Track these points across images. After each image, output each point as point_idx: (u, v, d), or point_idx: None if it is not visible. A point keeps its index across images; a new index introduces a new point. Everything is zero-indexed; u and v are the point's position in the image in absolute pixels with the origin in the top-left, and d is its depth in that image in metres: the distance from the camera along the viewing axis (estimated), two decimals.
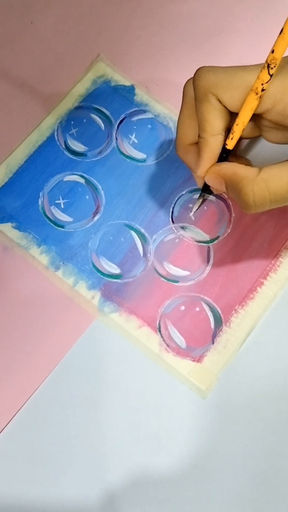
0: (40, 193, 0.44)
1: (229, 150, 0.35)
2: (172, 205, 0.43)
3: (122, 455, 0.39)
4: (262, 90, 0.31)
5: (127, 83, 0.46)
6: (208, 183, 0.36)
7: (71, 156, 0.44)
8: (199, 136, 0.35)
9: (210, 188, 0.38)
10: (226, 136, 0.35)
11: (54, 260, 0.42)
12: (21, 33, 0.48)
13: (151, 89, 0.46)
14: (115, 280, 0.42)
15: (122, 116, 0.46)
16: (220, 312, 0.41)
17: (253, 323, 0.41)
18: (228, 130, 0.35)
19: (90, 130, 0.45)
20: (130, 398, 0.40)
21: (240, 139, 0.38)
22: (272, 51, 0.30)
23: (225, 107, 0.34)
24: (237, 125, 0.34)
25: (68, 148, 0.45)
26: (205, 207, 0.43)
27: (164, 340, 0.40)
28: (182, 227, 0.43)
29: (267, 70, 0.30)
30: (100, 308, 0.41)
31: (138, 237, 0.43)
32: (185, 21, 0.48)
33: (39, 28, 0.48)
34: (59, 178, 0.44)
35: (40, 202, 0.43)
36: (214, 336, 0.41)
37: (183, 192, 0.44)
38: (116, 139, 0.45)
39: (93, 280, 0.42)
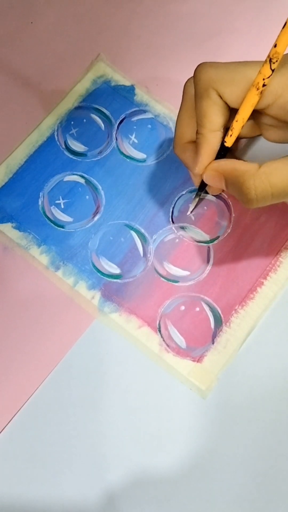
0: (40, 193, 0.44)
1: (227, 148, 0.35)
2: (172, 205, 0.43)
3: (122, 455, 0.39)
4: (264, 85, 0.31)
5: (127, 83, 0.46)
6: (207, 181, 0.36)
7: (71, 156, 0.44)
8: (197, 133, 0.35)
9: (207, 189, 0.38)
10: (225, 134, 0.35)
11: (54, 260, 0.42)
12: (21, 33, 0.48)
13: (151, 89, 0.46)
14: (115, 280, 0.42)
15: (122, 116, 0.46)
16: (220, 312, 0.41)
17: (253, 323, 0.41)
18: (227, 130, 0.35)
19: (90, 130, 0.45)
20: (130, 398, 0.40)
21: (239, 138, 0.38)
22: (275, 45, 0.30)
23: (226, 103, 0.33)
24: (236, 121, 0.34)
25: (68, 148, 0.45)
26: (205, 207, 0.43)
27: (164, 340, 0.40)
28: (182, 227, 0.43)
29: (269, 65, 0.30)
30: (100, 308, 0.41)
31: (138, 237, 0.43)
32: (185, 21, 0.48)
33: (39, 28, 0.48)
34: (59, 178, 0.44)
35: (40, 202, 0.43)
36: (214, 336, 0.41)
37: (183, 192, 0.44)
38: (116, 139, 0.45)
39: (93, 280, 0.42)
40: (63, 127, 0.45)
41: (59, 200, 0.44)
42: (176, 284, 0.42)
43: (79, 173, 0.44)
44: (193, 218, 0.43)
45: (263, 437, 0.39)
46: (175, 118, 0.45)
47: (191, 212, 0.41)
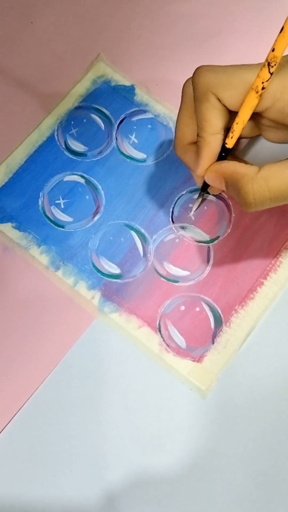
0: (40, 193, 0.44)
1: (228, 149, 0.35)
2: (172, 205, 0.43)
3: (122, 455, 0.39)
4: (262, 88, 0.31)
5: (127, 83, 0.46)
6: (208, 181, 0.36)
7: (71, 156, 0.44)
8: (198, 136, 0.35)
9: (208, 189, 0.38)
10: (226, 135, 0.35)
11: (54, 260, 0.42)
12: (21, 33, 0.48)
13: (151, 89, 0.46)
14: (115, 280, 0.42)
15: (122, 116, 0.46)
16: (220, 312, 0.41)
17: (253, 323, 0.41)
18: (227, 130, 0.35)
19: (90, 130, 0.45)
20: (130, 398, 0.40)
21: (240, 138, 0.38)
22: (273, 50, 0.30)
23: (225, 106, 0.34)
24: (237, 123, 0.34)
25: (68, 148, 0.45)
26: (205, 207, 0.43)
27: (164, 340, 0.40)
28: (182, 227, 0.43)
29: (267, 69, 0.30)
30: (100, 308, 0.41)
31: (138, 237, 0.43)
32: (185, 21, 0.48)
33: (39, 28, 0.48)
34: (59, 178, 0.44)
35: (40, 202, 0.43)
36: (214, 336, 0.41)
37: (183, 192, 0.44)
38: (116, 139, 0.45)
39: (93, 280, 0.42)
40: (63, 127, 0.45)
41: (59, 200, 0.44)
42: (176, 284, 0.42)
43: (79, 173, 0.44)
44: (193, 218, 0.43)
45: (263, 437, 0.39)
46: (175, 118, 0.45)
47: (194, 211, 0.41)
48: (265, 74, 0.31)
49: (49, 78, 0.47)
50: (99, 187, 0.44)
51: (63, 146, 0.45)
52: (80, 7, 0.49)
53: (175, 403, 0.40)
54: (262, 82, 0.31)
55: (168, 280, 0.42)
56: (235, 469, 0.38)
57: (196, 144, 0.36)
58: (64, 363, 0.40)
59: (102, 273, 0.42)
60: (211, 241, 0.43)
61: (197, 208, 0.41)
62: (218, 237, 0.43)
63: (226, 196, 0.43)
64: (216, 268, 0.42)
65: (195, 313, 0.41)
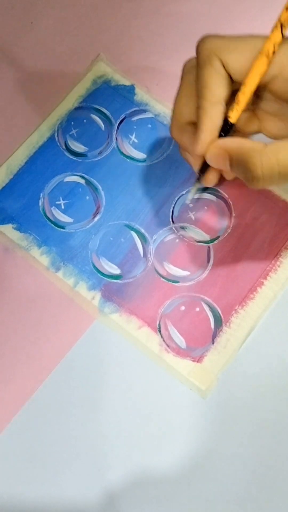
0: (41, 194, 0.44)
1: (231, 125, 0.33)
2: (172, 205, 0.43)
3: (122, 455, 0.39)
4: (273, 53, 0.29)
5: (127, 83, 0.46)
6: (210, 160, 0.33)
7: (71, 156, 0.45)
8: (198, 108, 0.32)
9: (203, 181, 0.36)
10: (228, 109, 0.33)
11: (55, 261, 0.42)
12: (21, 33, 0.48)
13: (151, 89, 0.46)
14: (115, 280, 0.42)
15: (122, 116, 0.46)
16: (220, 312, 0.41)
17: (253, 323, 0.41)
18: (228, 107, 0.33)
19: (90, 131, 0.45)
20: (130, 398, 0.40)
21: (237, 131, 0.36)
22: (287, 9, 0.28)
23: (229, 75, 0.32)
24: (243, 93, 0.32)
25: (69, 149, 0.45)
26: (205, 207, 0.43)
27: (164, 341, 0.40)
28: (182, 227, 0.43)
29: (279, 30, 0.29)
30: (101, 308, 0.41)
31: (138, 237, 0.43)
32: (185, 21, 0.48)
33: (39, 28, 0.48)
34: (59, 179, 0.44)
35: (40, 203, 0.43)
36: (214, 336, 0.41)
37: (183, 192, 0.44)
38: (116, 139, 0.45)
39: (94, 281, 0.42)
40: (63, 127, 0.45)
41: (60, 201, 0.44)
42: (176, 284, 0.42)
43: (79, 174, 0.44)
44: (193, 218, 0.43)
45: (263, 437, 0.39)
46: None
47: (190, 200, 0.39)
48: (277, 37, 0.29)
49: (49, 78, 0.47)
50: (99, 187, 0.44)
51: (63, 147, 0.45)
52: (80, 7, 0.49)
53: (175, 403, 0.40)
54: (274, 45, 0.29)
55: (168, 280, 0.42)
56: (235, 469, 0.39)
57: (195, 124, 0.33)
58: (64, 363, 0.40)
59: (103, 274, 0.42)
60: (211, 241, 0.43)
61: (193, 197, 0.38)
62: (218, 237, 0.43)
63: (226, 196, 0.43)
64: (216, 268, 0.42)
65: (195, 313, 0.41)
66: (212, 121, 0.32)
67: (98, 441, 0.39)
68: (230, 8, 0.48)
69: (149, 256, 0.42)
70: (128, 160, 0.45)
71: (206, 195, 0.43)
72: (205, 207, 0.43)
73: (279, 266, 0.42)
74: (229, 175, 0.36)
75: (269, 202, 0.43)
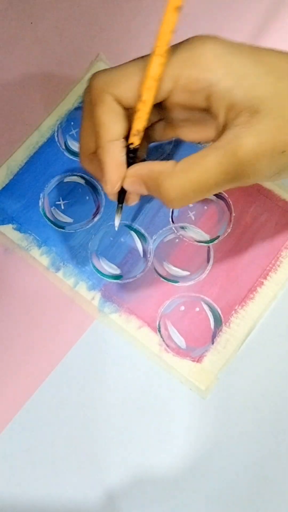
0: (41, 194, 0.44)
1: (135, 149, 0.32)
2: None
3: (122, 455, 0.39)
4: (159, 77, 0.29)
5: None
6: (129, 189, 0.33)
7: (71, 157, 0.45)
8: (97, 147, 0.32)
9: (125, 202, 0.35)
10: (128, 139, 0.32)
11: (55, 261, 0.42)
12: (21, 33, 0.48)
13: None
14: (115, 280, 0.42)
15: None
16: (220, 312, 0.41)
17: (253, 323, 0.41)
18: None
19: None
20: (130, 398, 0.40)
21: (151, 142, 0.37)
22: (158, 36, 0.28)
23: (124, 109, 0.31)
24: (139, 117, 0.31)
25: (69, 149, 0.45)
26: (205, 207, 0.43)
27: (164, 340, 0.40)
28: (182, 227, 0.43)
29: (158, 50, 0.29)
30: (100, 308, 0.41)
31: (138, 237, 0.43)
32: (185, 21, 0.48)
33: (39, 28, 0.48)
34: (59, 179, 0.44)
35: (40, 204, 0.43)
36: (214, 336, 0.41)
37: None
38: None
39: (93, 281, 0.42)
40: (63, 128, 0.45)
41: (60, 201, 0.44)
42: (176, 284, 0.42)
43: (79, 174, 0.44)
44: (193, 217, 0.43)
45: (263, 437, 0.39)
46: None
47: (117, 227, 0.38)
48: (160, 59, 0.29)
49: (49, 79, 0.47)
50: (99, 187, 0.44)
51: (63, 147, 0.45)
52: (80, 7, 0.49)
53: (175, 403, 0.40)
54: (158, 68, 0.29)
55: (168, 280, 0.42)
56: (235, 469, 0.39)
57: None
58: (64, 363, 0.40)
59: (102, 274, 0.42)
60: (211, 241, 0.43)
61: (119, 223, 0.37)
62: (218, 237, 0.43)
63: (226, 196, 0.43)
64: (216, 268, 0.42)
65: (195, 313, 0.41)
66: (114, 158, 0.32)
67: (98, 441, 0.39)
68: (230, 8, 0.48)
69: (149, 256, 0.42)
70: None
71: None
72: (205, 207, 0.43)
73: (279, 266, 0.42)
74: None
75: (269, 202, 0.43)
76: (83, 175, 0.44)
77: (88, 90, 0.32)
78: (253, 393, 0.40)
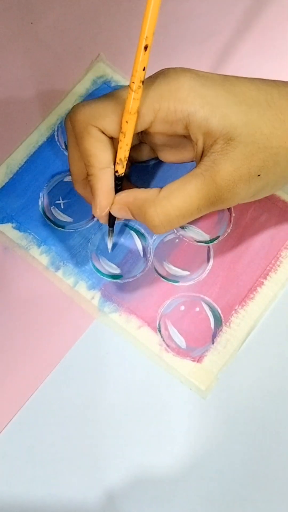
0: (40, 194, 0.44)
1: (121, 177, 0.35)
2: None
3: (122, 455, 0.39)
4: (137, 111, 0.31)
5: (127, 83, 0.46)
6: (115, 215, 0.36)
7: None
8: (88, 174, 0.34)
9: (116, 221, 0.38)
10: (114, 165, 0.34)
11: (54, 261, 0.42)
12: (21, 33, 0.48)
13: None
14: (115, 280, 0.42)
15: None
16: (220, 312, 0.41)
17: (253, 323, 0.41)
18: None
19: None
20: (130, 398, 0.40)
21: (136, 163, 0.39)
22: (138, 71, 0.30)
23: (108, 137, 0.33)
24: (120, 148, 0.33)
25: None
26: None
27: (164, 340, 0.40)
28: (182, 227, 0.43)
29: (133, 86, 0.31)
30: (100, 308, 0.41)
31: (138, 237, 0.43)
32: (185, 21, 0.48)
33: (39, 28, 0.48)
34: (59, 179, 0.44)
35: (40, 203, 0.43)
36: (214, 336, 0.41)
37: None
38: None
39: (93, 280, 0.42)
40: (63, 127, 0.45)
41: (59, 200, 0.44)
42: (176, 284, 0.42)
43: None
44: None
45: (263, 437, 0.39)
46: None
47: (111, 249, 0.41)
48: (138, 93, 0.31)
49: (49, 78, 0.47)
50: None
51: (63, 147, 0.45)
52: (80, 7, 0.49)
53: (175, 403, 0.40)
54: (136, 102, 0.31)
55: (168, 280, 0.42)
56: (235, 469, 0.38)
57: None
58: (64, 363, 0.40)
59: (102, 273, 0.42)
60: (211, 241, 0.43)
61: (112, 245, 0.41)
62: (218, 237, 0.43)
63: None
64: (216, 268, 0.42)
65: (195, 313, 0.41)
66: (105, 184, 0.34)
67: (98, 441, 0.39)
68: (230, 8, 0.48)
69: (149, 256, 0.42)
70: None
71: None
72: None
73: (279, 266, 0.42)
74: None
75: (268, 202, 0.43)
76: None
77: (71, 122, 0.34)
78: (253, 393, 0.40)
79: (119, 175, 0.35)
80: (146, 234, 0.43)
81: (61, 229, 0.43)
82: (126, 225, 0.43)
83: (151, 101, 0.32)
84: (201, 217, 0.43)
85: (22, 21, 0.49)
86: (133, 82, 0.30)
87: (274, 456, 0.39)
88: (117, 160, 0.34)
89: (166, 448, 0.39)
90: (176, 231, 0.43)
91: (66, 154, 0.44)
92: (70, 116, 0.34)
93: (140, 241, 0.43)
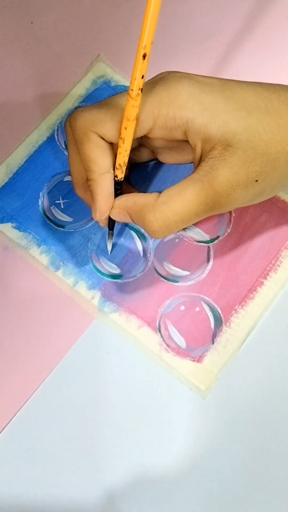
0: (40, 193, 0.44)
1: (120, 181, 0.35)
2: None
3: (122, 455, 0.39)
4: (136, 118, 0.31)
5: (127, 83, 0.46)
6: (115, 218, 0.36)
7: None
8: (88, 179, 0.35)
9: (116, 224, 0.38)
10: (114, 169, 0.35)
11: (54, 260, 0.42)
12: (21, 33, 0.48)
13: None
14: (115, 280, 0.42)
15: None
16: (220, 312, 0.41)
17: (253, 323, 0.41)
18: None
19: None
20: (130, 398, 0.40)
21: (136, 164, 0.39)
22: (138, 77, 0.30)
23: (108, 142, 0.34)
24: (120, 153, 0.33)
25: None
26: None
27: (164, 340, 0.40)
28: None
29: (132, 94, 0.31)
30: (100, 308, 0.41)
31: (138, 237, 0.43)
32: (185, 21, 0.48)
33: (39, 28, 0.48)
34: (59, 178, 0.44)
35: (40, 202, 0.43)
36: (214, 336, 0.41)
37: None
38: None
39: (93, 280, 0.42)
40: (63, 127, 0.45)
41: (59, 200, 0.44)
42: (176, 284, 0.42)
43: None
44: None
45: (263, 437, 0.39)
46: None
47: (110, 251, 0.42)
48: (133, 100, 0.31)
49: (49, 78, 0.47)
50: None
51: (63, 146, 0.45)
52: (80, 7, 0.49)
53: (175, 403, 0.40)
54: (132, 107, 0.31)
55: (168, 280, 0.42)
56: (235, 469, 0.38)
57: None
58: (64, 363, 0.40)
59: (102, 273, 0.42)
60: (211, 241, 0.43)
61: (112, 247, 0.41)
62: (218, 237, 0.43)
63: None
64: (216, 268, 0.42)
65: (195, 313, 0.41)
66: (104, 189, 0.35)
67: (98, 441, 0.39)
68: (230, 8, 0.48)
69: (149, 255, 0.42)
70: None
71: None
72: None
73: (279, 266, 0.42)
74: None
75: (268, 202, 0.43)
76: None
77: (71, 127, 0.34)
78: (253, 393, 0.40)
79: (118, 180, 0.35)
80: (146, 234, 0.43)
81: (61, 229, 0.43)
82: (126, 225, 0.43)
83: (150, 108, 0.32)
84: None
85: (22, 21, 0.49)
86: (132, 90, 0.30)
87: (274, 456, 0.39)
88: (117, 165, 0.34)
89: (166, 448, 0.39)
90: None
91: (66, 154, 0.44)
92: (70, 121, 0.35)
93: (140, 241, 0.43)
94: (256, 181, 0.33)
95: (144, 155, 0.40)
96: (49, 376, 0.40)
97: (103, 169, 0.34)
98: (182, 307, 0.41)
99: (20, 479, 0.38)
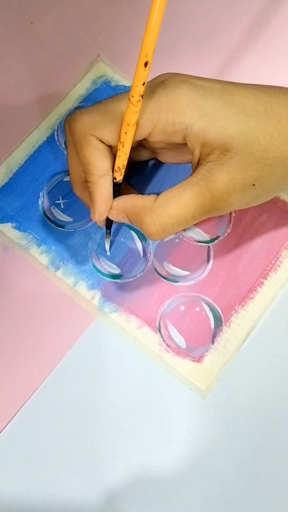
0: (40, 193, 0.44)
1: (119, 183, 0.35)
2: None
3: (122, 455, 0.39)
4: (135, 123, 0.32)
5: (127, 83, 0.46)
6: (113, 219, 0.36)
7: None
8: (87, 181, 0.35)
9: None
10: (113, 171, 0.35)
11: (54, 260, 0.42)
12: (21, 33, 0.48)
13: None
14: (115, 280, 0.42)
15: None
16: (220, 312, 0.41)
17: (253, 323, 0.41)
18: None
19: None
20: (130, 398, 0.40)
21: (135, 162, 0.40)
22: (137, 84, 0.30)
23: (107, 145, 0.34)
24: (119, 156, 0.34)
25: None
26: None
27: (164, 340, 0.40)
28: None
29: (133, 100, 0.31)
30: (100, 308, 0.41)
31: (138, 237, 0.43)
32: (185, 21, 0.48)
33: (39, 28, 0.48)
34: (59, 178, 0.44)
35: (40, 202, 0.43)
36: (214, 336, 0.41)
37: None
38: None
39: (93, 280, 0.42)
40: (63, 127, 0.45)
41: (59, 200, 0.44)
42: (176, 284, 0.42)
43: None
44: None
45: (263, 437, 0.39)
46: None
47: (109, 250, 0.42)
48: (137, 105, 0.31)
49: (49, 78, 0.47)
50: None
51: (63, 146, 0.45)
52: (80, 7, 0.49)
53: (175, 403, 0.40)
54: (133, 112, 0.31)
55: (168, 280, 0.42)
56: (235, 469, 0.38)
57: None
58: (64, 363, 0.40)
59: (102, 273, 0.42)
60: (211, 241, 0.43)
61: (110, 247, 0.42)
62: (218, 237, 0.43)
63: None
64: (216, 268, 0.42)
65: (195, 313, 0.41)
66: (103, 191, 0.35)
67: (98, 441, 0.39)
68: (230, 8, 0.48)
69: (149, 255, 0.42)
70: None
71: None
72: None
73: (279, 266, 0.42)
74: None
75: (268, 202, 0.43)
76: None
77: (70, 130, 0.35)
78: (253, 393, 0.40)
79: (117, 182, 0.35)
80: None
81: (61, 228, 0.43)
82: (126, 225, 0.43)
83: (150, 113, 0.32)
84: None
85: (22, 21, 0.49)
86: (133, 96, 0.30)
87: (274, 456, 0.39)
88: (116, 168, 0.34)
89: (166, 448, 0.39)
90: None
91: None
92: (69, 124, 0.35)
93: (140, 241, 0.43)
94: (253, 185, 0.33)
95: (144, 155, 0.40)
96: (49, 376, 0.40)
97: (102, 172, 0.34)
98: (182, 307, 0.41)
99: (20, 479, 0.38)
